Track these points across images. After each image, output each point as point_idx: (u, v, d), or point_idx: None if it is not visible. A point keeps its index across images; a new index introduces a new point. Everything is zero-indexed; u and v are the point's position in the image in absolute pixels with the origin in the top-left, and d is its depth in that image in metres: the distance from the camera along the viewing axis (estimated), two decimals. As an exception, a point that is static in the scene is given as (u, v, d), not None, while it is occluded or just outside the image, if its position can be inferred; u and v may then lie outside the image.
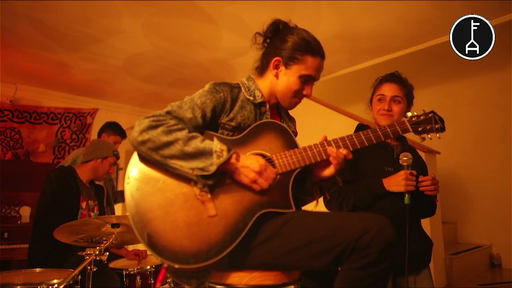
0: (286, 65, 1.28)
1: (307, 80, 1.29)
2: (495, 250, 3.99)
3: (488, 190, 4.13)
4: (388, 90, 1.73)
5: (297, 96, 1.32)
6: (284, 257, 1.10)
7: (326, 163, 1.23)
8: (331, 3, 3.06)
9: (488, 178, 4.14)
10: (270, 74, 1.32)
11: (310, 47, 1.27)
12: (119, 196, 3.30)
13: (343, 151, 1.22)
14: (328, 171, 1.22)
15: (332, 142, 1.23)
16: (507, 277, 3.68)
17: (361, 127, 1.79)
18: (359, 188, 1.61)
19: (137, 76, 4.58)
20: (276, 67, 1.30)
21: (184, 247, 1.04)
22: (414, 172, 1.58)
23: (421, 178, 1.61)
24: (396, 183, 1.56)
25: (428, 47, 3.76)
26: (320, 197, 1.35)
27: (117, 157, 2.60)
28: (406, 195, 1.54)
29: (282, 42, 1.29)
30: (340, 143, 1.24)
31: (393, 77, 1.77)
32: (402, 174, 1.56)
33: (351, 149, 1.24)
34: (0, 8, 2.96)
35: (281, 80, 1.29)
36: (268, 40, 1.36)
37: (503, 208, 3.89)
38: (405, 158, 1.59)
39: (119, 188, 4.01)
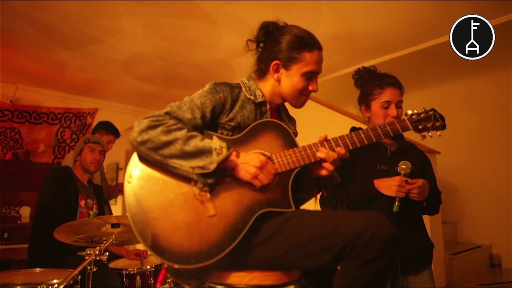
0: (286, 67, 1.27)
1: (311, 76, 1.28)
2: (495, 250, 4.00)
3: (488, 190, 4.12)
4: (393, 95, 1.67)
5: (304, 93, 1.31)
6: (284, 256, 1.09)
7: (323, 162, 1.23)
8: (331, 3, 3.06)
9: (488, 178, 4.14)
10: (271, 78, 1.31)
11: (305, 43, 1.26)
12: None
13: (338, 151, 1.21)
14: (324, 171, 1.22)
15: (331, 141, 1.23)
16: (507, 277, 3.68)
17: (353, 130, 1.76)
18: (351, 190, 1.59)
19: (137, 76, 4.58)
20: (276, 70, 1.29)
21: (184, 248, 1.03)
22: (409, 180, 1.54)
23: (409, 182, 1.55)
24: (388, 187, 1.53)
25: (428, 47, 3.75)
26: (318, 193, 1.35)
27: (94, 142, 2.59)
28: (396, 202, 1.52)
29: (276, 44, 1.28)
30: (340, 141, 1.24)
31: (396, 82, 1.71)
32: (397, 179, 1.53)
33: (351, 147, 1.24)
34: (0, 8, 2.96)
35: (284, 82, 1.29)
36: (261, 44, 1.35)
37: (503, 208, 3.89)
38: (403, 167, 1.55)
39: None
